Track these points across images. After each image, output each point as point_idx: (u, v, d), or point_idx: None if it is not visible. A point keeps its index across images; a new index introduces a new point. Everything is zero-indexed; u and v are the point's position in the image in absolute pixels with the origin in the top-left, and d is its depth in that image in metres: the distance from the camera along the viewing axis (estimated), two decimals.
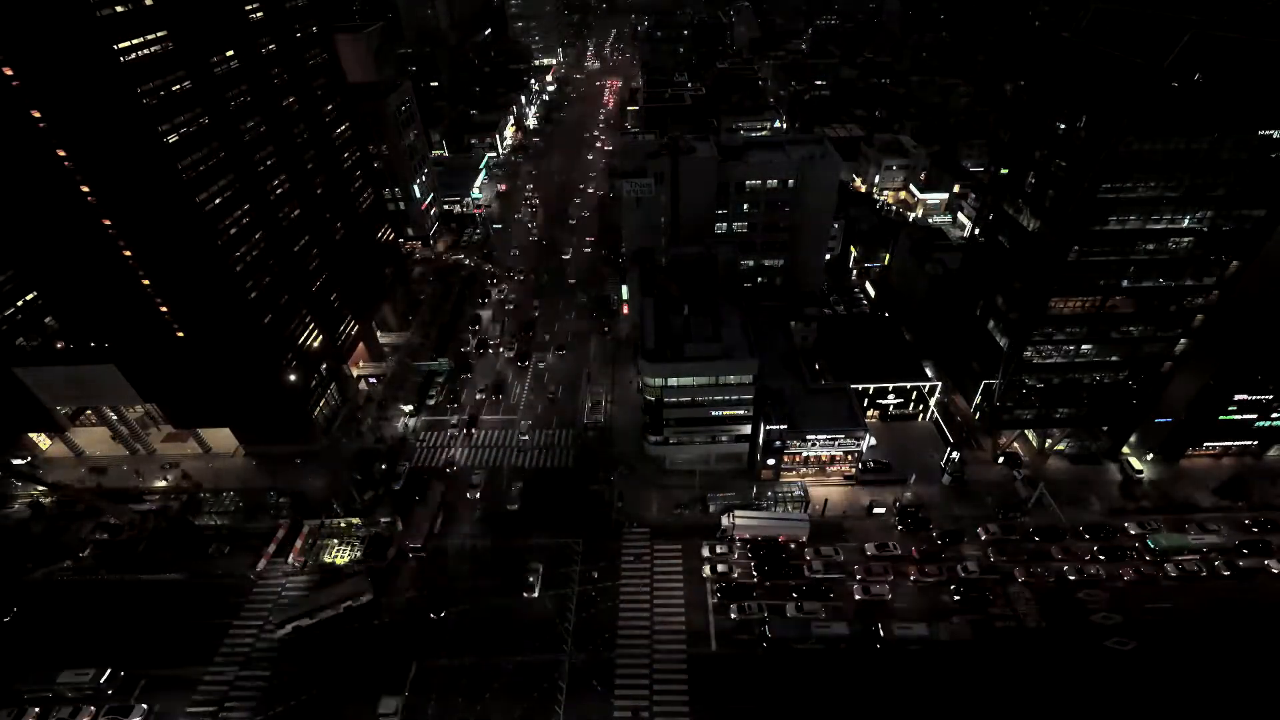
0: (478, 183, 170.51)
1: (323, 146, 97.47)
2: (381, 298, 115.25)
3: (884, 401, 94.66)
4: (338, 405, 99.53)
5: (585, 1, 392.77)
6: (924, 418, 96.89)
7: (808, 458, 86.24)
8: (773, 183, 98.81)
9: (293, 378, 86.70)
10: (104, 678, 66.08)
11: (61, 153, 65.36)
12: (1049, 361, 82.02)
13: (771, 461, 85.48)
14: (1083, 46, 72.20)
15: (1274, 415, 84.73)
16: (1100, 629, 70.25)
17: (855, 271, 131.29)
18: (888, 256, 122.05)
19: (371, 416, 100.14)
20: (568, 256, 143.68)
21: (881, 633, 69.25)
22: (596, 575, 76.07)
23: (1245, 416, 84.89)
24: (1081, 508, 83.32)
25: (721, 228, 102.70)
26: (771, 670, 66.94)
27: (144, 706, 64.58)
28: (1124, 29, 69.63)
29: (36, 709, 64.66)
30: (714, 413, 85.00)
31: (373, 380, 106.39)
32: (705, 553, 78.32)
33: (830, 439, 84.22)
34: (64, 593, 75.96)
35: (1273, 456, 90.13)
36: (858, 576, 75.28)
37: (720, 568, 76.76)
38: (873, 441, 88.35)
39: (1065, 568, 75.68)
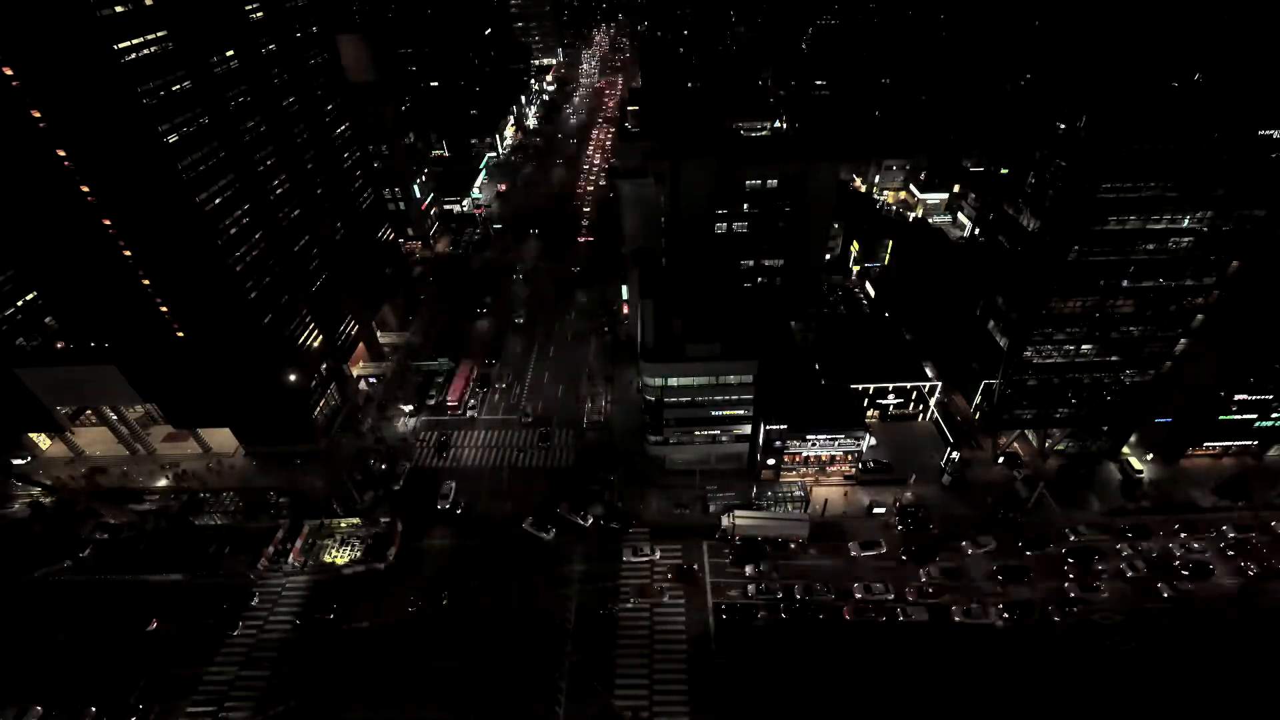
0: (478, 183, 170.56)
1: (323, 146, 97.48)
2: (382, 298, 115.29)
3: (884, 401, 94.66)
4: (338, 405, 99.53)
5: (586, 1, 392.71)
6: (924, 418, 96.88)
7: (808, 458, 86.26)
8: (773, 183, 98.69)
9: (293, 378, 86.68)
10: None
11: (61, 153, 65.38)
12: (1049, 361, 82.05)
13: (771, 461, 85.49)
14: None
15: (1274, 415, 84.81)
16: (1100, 629, 70.43)
17: (855, 271, 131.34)
18: (887, 256, 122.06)
19: (371, 416, 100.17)
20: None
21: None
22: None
23: (1245, 416, 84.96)
24: (1081, 507, 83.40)
25: (721, 228, 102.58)
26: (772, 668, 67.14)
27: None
28: None
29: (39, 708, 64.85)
30: (714, 413, 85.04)
31: (373, 380, 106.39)
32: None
33: (830, 439, 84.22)
34: (64, 593, 75.99)
35: (1273, 456, 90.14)
36: None
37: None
38: (873, 441, 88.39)
39: None
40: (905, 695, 64.62)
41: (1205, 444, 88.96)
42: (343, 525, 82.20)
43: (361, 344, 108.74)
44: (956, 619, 71.19)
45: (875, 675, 66.29)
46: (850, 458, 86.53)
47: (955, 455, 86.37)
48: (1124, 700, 64.00)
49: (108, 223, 70.33)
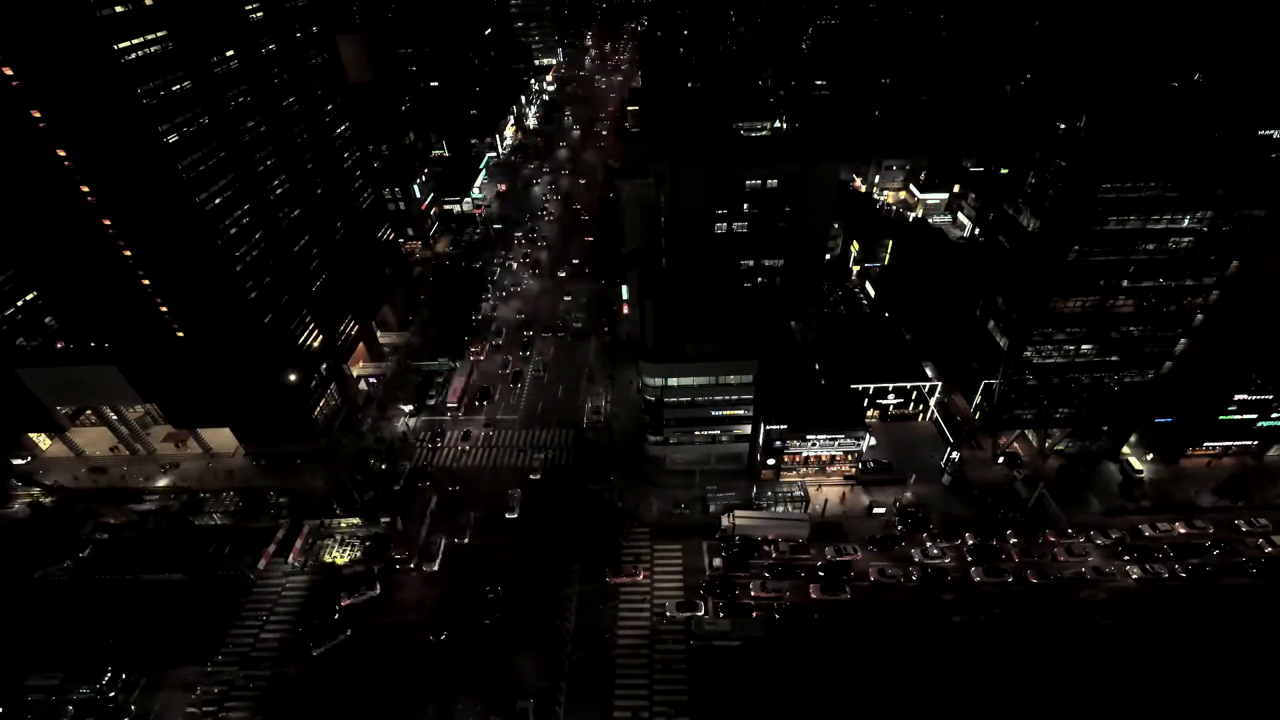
0: (478, 183, 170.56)
1: (323, 146, 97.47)
2: (382, 298, 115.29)
3: (884, 401, 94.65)
4: (338, 405, 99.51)
5: (586, 1, 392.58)
6: (924, 418, 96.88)
7: (808, 458, 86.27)
8: (773, 183, 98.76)
9: (293, 378, 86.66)
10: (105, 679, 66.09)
11: (61, 153, 65.38)
12: (1049, 361, 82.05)
13: (771, 461, 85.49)
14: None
15: (1274, 415, 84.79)
16: (1100, 628, 70.38)
17: (855, 271, 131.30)
18: (887, 256, 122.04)
19: (371, 416, 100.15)
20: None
21: None
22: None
23: (1245, 416, 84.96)
24: (1081, 508, 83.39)
25: (721, 228, 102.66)
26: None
27: None
28: None
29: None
30: (714, 413, 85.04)
31: (373, 380, 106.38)
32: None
33: (830, 439, 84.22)
34: (64, 593, 75.96)
35: (1273, 456, 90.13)
36: None
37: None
38: (873, 441, 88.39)
39: None
40: (902, 692, 64.73)
41: (1205, 444, 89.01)
42: (343, 525, 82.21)
43: (361, 344, 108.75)
44: (955, 619, 71.28)
45: (873, 671, 66.44)
46: (850, 458, 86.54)
47: (955, 455, 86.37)
48: (1123, 700, 64.11)
49: (108, 223, 70.31)
